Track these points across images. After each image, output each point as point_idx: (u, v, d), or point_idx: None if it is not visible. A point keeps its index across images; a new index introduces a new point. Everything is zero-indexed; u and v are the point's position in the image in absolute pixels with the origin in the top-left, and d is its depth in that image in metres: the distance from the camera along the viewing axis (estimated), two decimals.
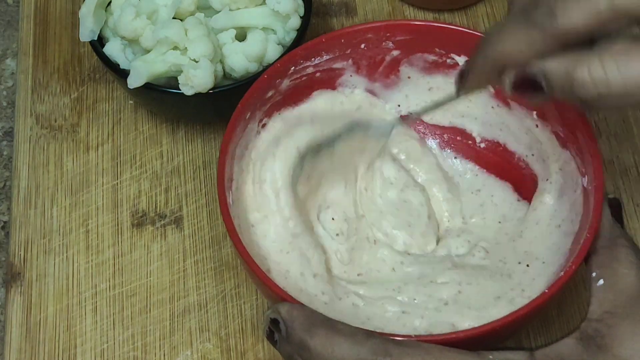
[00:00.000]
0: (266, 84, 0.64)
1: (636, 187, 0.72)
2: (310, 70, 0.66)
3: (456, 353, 0.51)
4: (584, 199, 0.60)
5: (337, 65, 0.67)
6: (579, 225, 0.59)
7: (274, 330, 0.53)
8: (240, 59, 0.70)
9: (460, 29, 0.66)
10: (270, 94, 0.65)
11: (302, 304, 0.54)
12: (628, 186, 0.72)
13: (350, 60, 0.67)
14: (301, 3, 0.72)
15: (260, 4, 0.72)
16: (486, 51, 0.53)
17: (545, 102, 0.54)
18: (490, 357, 0.51)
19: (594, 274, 0.55)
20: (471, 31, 0.65)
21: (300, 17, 0.72)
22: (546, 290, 0.54)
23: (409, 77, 0.68)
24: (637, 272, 0.54)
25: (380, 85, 0.69)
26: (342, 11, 0.82)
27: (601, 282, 0.54)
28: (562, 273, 0.55)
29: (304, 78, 0.66)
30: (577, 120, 0.61)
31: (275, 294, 0.55)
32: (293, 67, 0.66)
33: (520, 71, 0.51)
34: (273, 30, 0.72)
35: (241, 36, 0.72)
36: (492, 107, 0.68)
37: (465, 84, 0.56)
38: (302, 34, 0.72)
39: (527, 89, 0.51)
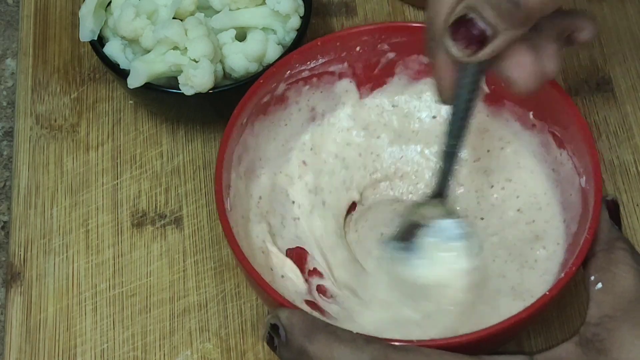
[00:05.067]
0: (262, 88, 0.64)
1: (636, 187, 0.72)
2: (306, 74, 0.66)
3: (456, 357, 0.51)
4: (582, 200, 0.60)
5: (333, 68, 0.67)
6: (577, 227, 0.59)
7: (274, 336, 0.53)
8: (240, 59, 0.70)
9: None
10: (266, 98, 0.65)
11: (301, 309, 0.54)
12: (628, 186, 0.72)
13: (345, 63, 0.68)
14: (301, 3, 0.72)
15: (260, 4, 0.72)
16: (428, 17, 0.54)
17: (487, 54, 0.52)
18: None
19: (592, 278, 0.55)
20: None
21: (300, 17, 0.72)
22: (547, 292, 0.54)
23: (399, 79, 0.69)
24: (635, 276, 0.54)
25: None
26: (342, 11, 0.82)
27: (599, 285, 0.54)
28: (562, 274, 0.55)
29: (300, 82, 0.67)
30: (574, 119, 0.61)
31: (274, 300, 0.55)
32: (289, 71, 0.66)
33: (450, 14, 0.51)
34: (273, 30, 0.72)
35: (241, 36, 0.72)
36: (487, 115, 0.68)
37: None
38: (302, 34, 0.72)
39: (470, 40, 0.51)
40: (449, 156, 0.57)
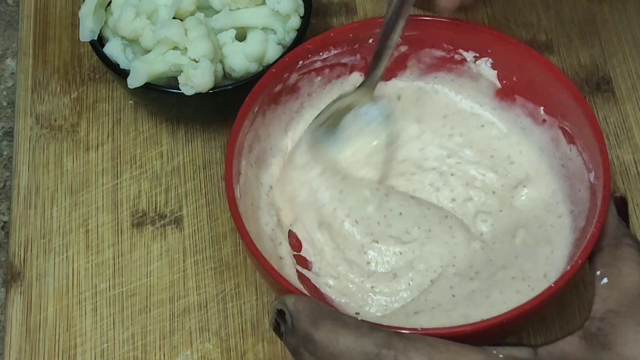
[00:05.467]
0: (274, 78, 0.65)
1: (636, 187, 0.72)
2: (318, 64, 0.67)
3: (460, 347, 0.51)
4: (590, 195, 0.60)
5: (345, 60, 0.67)
6: (584, 221, 0.60)
7: (280, 322, 0.53)
8: (240, 59, 0.70)
9: (468, 24, 0.66)
10: (278, 88, 0.65)
11: (308, 295, 0.54)
12: (628, 186, 0.72)
13: (358, 55, 0.68)
14: (301, 3, 0.72)
15: (260, 4, 0.72)
16: None
17: None
18: (494, 351, 0.51)
19: (598, 273, 0.55)
20: (478, 27, 0.66)
21: (300, 17, 0.72)
22: (552, 285, 0.54)
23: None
24: None
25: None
26: (342, 11, 0.82)
27: (605, 280, 0.54)
28: (568, 268, 0.55)
29: (312, 72, 0.67)
30: (585, 115, 0.61)
31: (282, 286, 0.55)
32: (301, 62, 0.66)
33: None
34: (273, 30, 0.72)
35: (241, 36, 0.72)
36: (494, 108, 0.68)
37: None
38: (302, 34, 0.72)
39: None
40: (381, 51, 0.63)
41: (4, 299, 0.71)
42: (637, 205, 0.71)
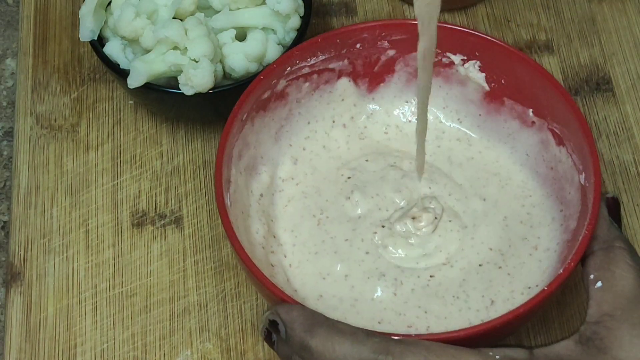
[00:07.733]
0: (262, 84, 0.64)
1: (636, 187, 0.72)
2: (306, 70, 0.67)
3: (457, 350, 0.51)
4: (581, 196, 0.60)
5: (333, 65, 0.67)
6: (576, 224, 0.59)
7: (272, 332, 0.53)
8: (240, 59, 0.70)
9: (455, 27, 0.66)
10: (266, 94, 0.65)
11: (301, 304, 0.54)
12: (628, 186, 0.72)
13: (345, 60, 0.68)
14: (301, 3, 0.72)
15: (260, 4, 0.72)
16: None
17: None
18: (490, 353, 0.52)
19: (591, 276, 0.55)
20: (466, 30, 0.66)
21: (300, 17, 0.72)
22: (545, 288, 0.54)
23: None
24: (634, 275, 0.54)
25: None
26: (342, 11, 0.82)
27: (599, 284, 0.55)
28: (561, 270, 0.55)
29: (300, 78, 0.67)
30: (573, 116, 0.61)
31: (274, 295, 0.55)
32: (289, 68, 0.66)
33: None
34: (273, 30, 0.72)
35: (241, 36, 0.72)
36: (480, 115, 0.68)
37: None
38: (302, 34, 0.72)
39: None
40: None
41: (4, 299, 0.71)
42: (637, 205, 0.71)
